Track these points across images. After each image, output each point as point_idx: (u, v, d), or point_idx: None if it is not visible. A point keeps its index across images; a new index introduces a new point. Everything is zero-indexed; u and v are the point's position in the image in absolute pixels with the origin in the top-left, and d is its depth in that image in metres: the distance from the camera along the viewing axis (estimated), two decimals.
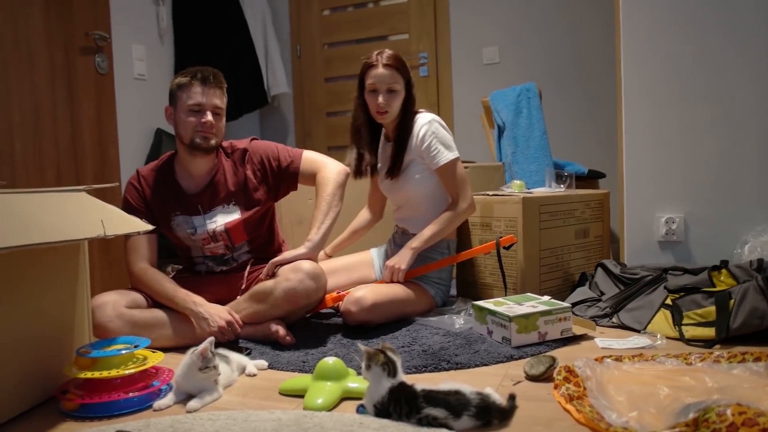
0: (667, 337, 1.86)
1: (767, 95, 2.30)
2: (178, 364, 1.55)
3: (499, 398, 1.34)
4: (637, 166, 2.50)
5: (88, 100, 2.91)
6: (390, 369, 1.34)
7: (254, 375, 1.73)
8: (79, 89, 2.86)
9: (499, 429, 1.30)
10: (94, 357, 1.52)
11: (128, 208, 2.08)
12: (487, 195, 2.44)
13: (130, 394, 1.50)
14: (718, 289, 1.90)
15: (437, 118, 2.26)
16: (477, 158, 3.59)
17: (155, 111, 3.39)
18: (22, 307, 1.51)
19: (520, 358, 1.76)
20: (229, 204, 2.14)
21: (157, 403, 1.50)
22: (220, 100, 2.07)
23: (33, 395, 1.54)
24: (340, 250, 2.54)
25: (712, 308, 1.82)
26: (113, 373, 1.49)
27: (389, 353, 1.36)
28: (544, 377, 1.56)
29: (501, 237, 2.28)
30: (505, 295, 2.17)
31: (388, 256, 2.44)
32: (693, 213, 2.43)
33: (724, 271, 2.02)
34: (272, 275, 2.02)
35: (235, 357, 1.74)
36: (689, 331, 1.84)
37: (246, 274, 2.17)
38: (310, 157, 2.20)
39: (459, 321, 2.08)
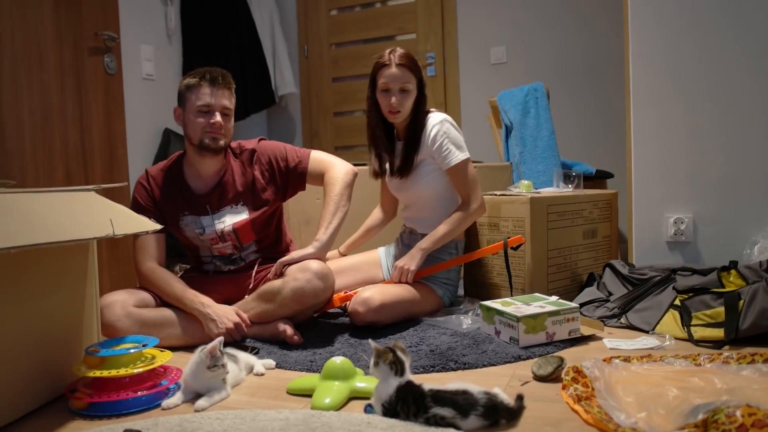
0: (676, 338, 1.85)
1: None
2: (187, 363, 1.56)
3: (507, 398, 1.33)
4: (646, 166, 2.49)
5: (96, 100, 2.92)
6: (398, 368, 1.34)
7: (262, 374, 1.73)
8: (88, 89, 2.87)
9: (507, 429, 1.29)
10: (103, 356, 1.53)
11: (137, 207, 2.09)
12: (495, 195, 2.44)
13: (139, 393, 1.50)
14: (727, 289, 1.89)
15: (449, 118, 2.26)
16: (484, 158, 3.59)
17: (163, 111, 3.40)
18: (32, 307, 1.51)
19: (527, 358, 1.76)
20: (237, 204, 2.14)
21: (166, 402, 1.50)
22: (228, 100, 2.08)
23: (42, 394, 1.55)
24: (353, 248, 2.53)
25: (721, 309, 1.81)
26: (122, 372, 1.50)
27: (399, 352, 1.36)
28: (552, 378, 1.56)
29: (509, 237, 2.27)
30: (511, 296, 2.16)
31: (395, 255, 2.44)
32: (702, 213, 2.42)
33: (733, 271, 2.01)
34: (280, 275, 2.02)
35: (243, 356, 1.74)
36: (698, 332, 1.83)
37: (254, 274, 2.17)
38: (318, 157, 2.20)
39: (467, 321, 2.08)
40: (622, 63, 2.55)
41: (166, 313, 2.00)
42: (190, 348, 1.79)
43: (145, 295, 2.03)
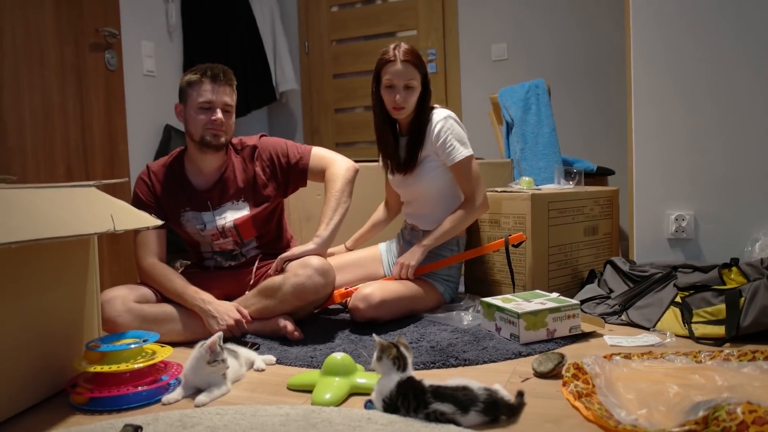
0: (677, 335, 1.85)
1: None
2: (187, 358, 1.56)
3: (507, 394, 1.33)
4: (647, 163, 2.49)
5: (97, 97, 2.92)
6: (400, 363, 1.35)
7: (262, 370, 1.73)
8: (89, 86, 2.87)
9: (508, 426, 1.30)
10: (104, 351, 1.53)
11: (138, 203, 2.09)
12: (496, 191, 2.44)
13: (139, 388, 1.51)
14: (728, 287, 1.89)
15: (452, 114, 2.25)
16: (485, 155, 3.58)
17: (164, 107, 3.40)
18: (33, 302, 1.51)
19: (528, 355, 1.76)
20: (238, 200, 2.14)
21: (166, 398, 1.50)
22: (230, 97, 2.07)
23: (43, 389, 1.55)
24: (360, 243, 2.53)
25: (722, 306, 1.81)
26: (122, 367, 1.50)
27: (402, 348, 1.36)
28: (553, 374, 1.56)
29: (510, 234, 2.27)
30: (513, 293, 2.16)
31: (396, 251, 2.44)
32: (703, 210, 2.42)
33: (734, 269, 2.01)
34: (281, 271, 2.02)
35: (244, 352, 1.74)
36: (699, 329, 1.83)
37: (254, 270, 2.17)
38: (319, 154, 2.20)
39: (467, 318, 2.08)
40: (623, 60, 2.55)
41: (167, 308, 2.00)
42: (190, 343, 1.80)
43: (146, 291, 2.03)
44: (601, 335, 1.91)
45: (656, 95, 2.45)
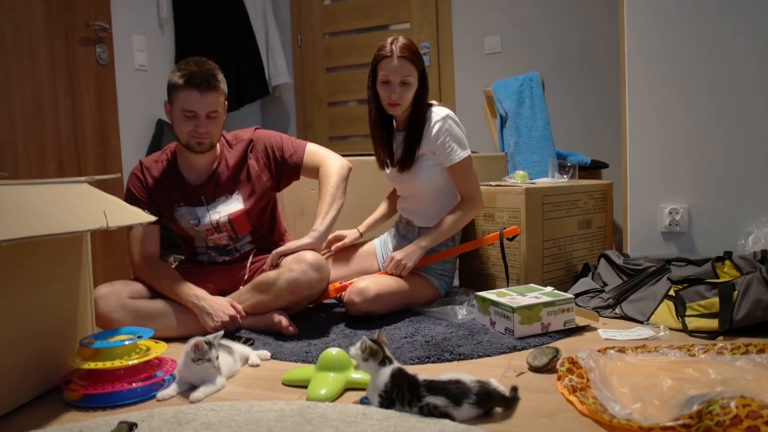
0: (670, 329, 1.85)
1: None
2: (181, 354, 1.56)
3: (501, 386, 1.34)
4: (641, 157, 2.49)
5: (89, 91, 2.90)
6: (386, 361, 1.36)
7: (257, 365, 1.73)
8: (80, 80, 2.85)
9: (503, 420, 1.30)
10: (98, 348, 1.53)
11: (131, 198, 2.08)
12: (490, 185, 2.44)
13: (134, 385, 1.50)
14: (721, 280, 1.90)
15: (451, 114, 2.21)
16: (479, 148, 3.58)
17: (156, 102, 3.37)
18: (25, 299, 1.51)
19: (523, 349, 1.76)
20: (232, 195, 2.13)
21: (161, 394, 1.50)
22: (216, 101, 2.00)
23: (37, 386, 1.54)
24: (372, 229, 2.49)
25: (716, 299, 1.82)
26: (116, 363, 1.50)
27: (384, 348, 1.37)
28: (547, 368, 1.56)
29: (505, 228, 2.27)
30: (507, 287, 2.16)
31: (391, 246, 2.43)
32: (697, 204, 2.43)
33: (727, 262, 2.01)
34: (276, 266, 2.02)
35: (238, 347, 1.74)
36: (692, 323, 1.84)
37: (248, 265, 2.17)
38: (314, 150, 2.19)
39: (462, 312, 2.08)
40: (617, 53, 2.55)
41: (161, 304, 2.00)
42: (185, 339, 1.78)
43: (140, 287, 2.02)
44: (595, 329, 1.91)
45: (650, 89, 2.45)
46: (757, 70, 2.30)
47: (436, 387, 1.31)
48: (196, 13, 3.80)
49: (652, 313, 1.96)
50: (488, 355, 1.73)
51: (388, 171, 2.35)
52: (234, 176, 2.13)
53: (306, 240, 2.03)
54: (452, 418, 1.28)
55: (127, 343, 1.56)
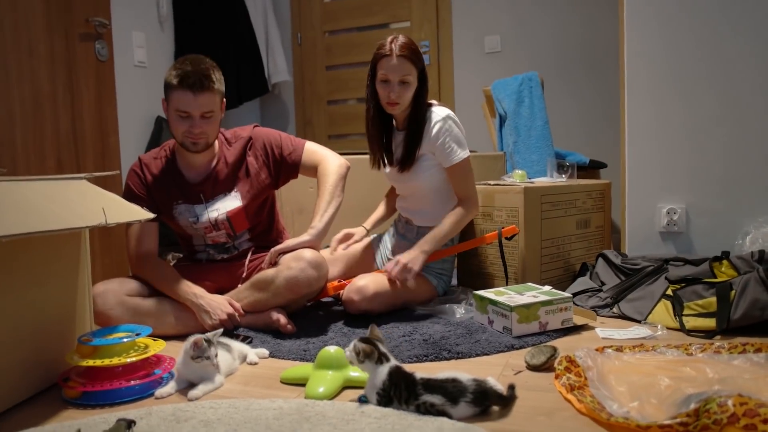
0: (668, 328, 1.86)
1: None
2: (179, 352, 1.56)
3: (498, 384, 1.34)
4: (640, 157, 2.50)
5: (88, 88, 2.90)
6: (382, 359, 1.36)
7: (255, 363, 1.73)
8: (79, 77, 2.85)
9: (500, 418, 1.30)
10: (96, 345, 1.53)
11: (130, 195, 2.08)
12: (489, 184, 2.44)
13: (132, 382, 1.50)
14: (719, 280, 1.90)
15: (452, 114, 2.20)
16: (478, 147, 3.58)
17: (155, 98, 3.36)
18: (24, 296, 1.50)
19: (521, 347, 1.76)
20: (230, 192, 2.13)
21: (159, 391, 1.50)
22: (210, 101, 1.98)
23: (35, 383, 1.54)
24: (377, 225, 2.48)
25: (713, 299, 1.82)
26: (115, 361, 1.50)
27: (379, 345, 1.37)
28: (545, 367, 1.57)
29: (503, 227, 2.27)
30: (506, 286, 2.17)
31: (390, 245, 2.43)
32: (695, 204, 2.43)
33: (725, 262, 2.02)
34: (274, 263, 2.02)
35: (237, 345, 1.74)
36: (690, 322, 1.84)
37: (247, 262, 2.17)
38: (312, 149, 2.19)
39: (460, 311, 2.08)
40: (617, 53, 2.55)
41: (160, 302, 2.00)
42: (183, 337, 1.78)
43: (138, 284, 2.02)
44: (593, 328, 1.92)
45: (649, 89, 2.46)
46: (757, 70, 2.30)
47: (433, 385, 1.32)
48: (196, 10, 3.80)
49: (650, 313, 1.96)
50: (486, 354, 1.73)
51: (387, 170, 2.34)
52: (233, 174, 2.13)
53: (304, 237, 2.03)
54: (449, 417, 1.28)
55: (125, 340, 1.56)
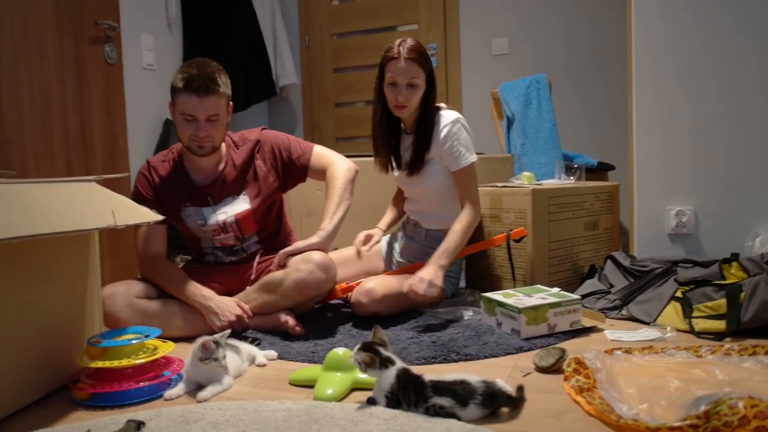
0: (677, 330, 1.85)
1: None
2: (188, 353, 1.56)
3: (507, 386, 1.34)
4: (648, 158, 2.49)
5: (97, 90, 2.91)
6: (388, 363, 1.36)
7: (264, 365, 1.73)
8: (88, 79, 2.86)
9: (510, 420, 1.30)
10: (105, 347, 1.53)
11: (139, 197, 2.08)
12: (497, 187, 2.44)
13: (141, 384, 1.51)
14: (728, 281, 1.89)
15: (461, 118, 2.20)
16: (486, 150, 3.58)
17: (164, 101, 3.36)
18: (33, 297, 1.51)
19: (529, 349, 1.76)
20: (238, 195, 2.14)
21: (168, 393, 1.51)
22: (215, 105, 1.98)
23: (44, 384, 1.55)
24: (391, 227, 2.47)
25: (723, 301, 1.81)
26: (124, 362, 1.50)
27: (381, 349, 1.37)
28: (554, 369, 1.56)
29: (511, 230, 2.27)
30: (514, 288, 2.16)
31: (398, 247, 2.42)
32: (704, 205, 2.42)
33: (734, 263, 2.01)
34: (283, 265, 2.02)
35: (245, 347, 1.75)
36: (699, 324, 1.83)
37: (255, 265, 2.17)
38: (321, 152, 2.20)
39: (468, 313, 2.08)
40: (625, 55, 2.54)
41: (169, 304, 2.00)
42: (192, 339, 1.79)
43: (147, 286, 2.03)
44: (601, 330, 1.91)
45: (658, 90, 2.45)
46: (766, 70, 2.29)
47: (442, 387, 1.31)
48: (205, 13, 3.81)
49: (659, 315, 1.95)
50: (495, 356, 1.72)
51: (396, 174, 2.34)
52: (241, 176, 2.14)
53: (314, 239, 2.03)
54: (458, 419, 1.28)
55: (134, 342, 1.56)
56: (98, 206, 1.56)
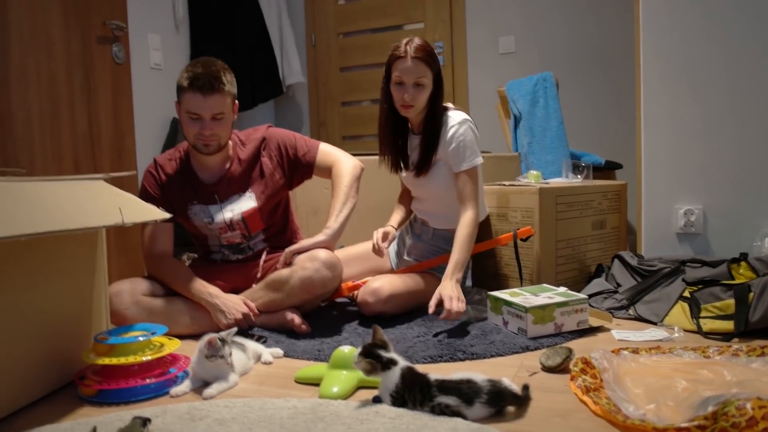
0: (685, 330, 1.84)
1: None
2: (194, 351, 1.56)
3: (513, 385, 1.33)
4: (656, 157, 2.48)
5: (105, 90, 2.92)
6: (390, 363, 1.36)
7: (270, 363, 1.74)
8: (96, 79, 2.87)
9: (516, 419, 1.29)
10: (112, 344, 1.54)
11: (146, 195, 2.09)
12: (504, 185, 2.43)
13: (147, 381, 1.51)
14: (737, 281, 1.88)
15: (469, 119, 2.18)
16: (492, 148, 3.57)
17: (171, 101, 3.34)
18: (42, 294, 1.52)
19: (536, 349, 1.75)
20: (245, 192, 2.14)
21: (174, 390, 1.51)
22: (220, 104, 1.98)
23: (51, 381, 1.56)
24: (401, 225, 2.44)
25: (731, 301, 1.80)
26: (130, 359, 1.51)
27: (381, 351, 1.36)
28: (561, 368, 1.55)
29: (518, 228, 2.26)
30: (521, 287, 2.15)
31: (405, 245, 2.41)
32: (712, 205, 2.41)
33: (743, 263, 2.00)
34: (289, 264, 2.02)
35: (251, 345, 1.75)
36: (707, 324, 1.82)
37: (261, 263, 2.17)
38: (327, 150, 2.20)
39: (474, 311, 2.07)
40: (632, 53, 2.53)
41: (175, 301, 2.01)
42: (198, 336, 1.79)
43: (153, 284, 2.04)
44: (608, 330, 1.90)
45: (665, 89, 2.44)
46: None
47: (447, 386, 1.31)
48: (212, 13, 3.82)
49: (666, 315, 1.95)
50: (501, 355, 1.72)
51: (403, 174, 2.33)
52: (247, 174, 2.14)
53: (320, 237, 2.03)
54: (464, 418, 1.28)
55: (141, 339, 1.57)
56: (106, 204, 1.56)
